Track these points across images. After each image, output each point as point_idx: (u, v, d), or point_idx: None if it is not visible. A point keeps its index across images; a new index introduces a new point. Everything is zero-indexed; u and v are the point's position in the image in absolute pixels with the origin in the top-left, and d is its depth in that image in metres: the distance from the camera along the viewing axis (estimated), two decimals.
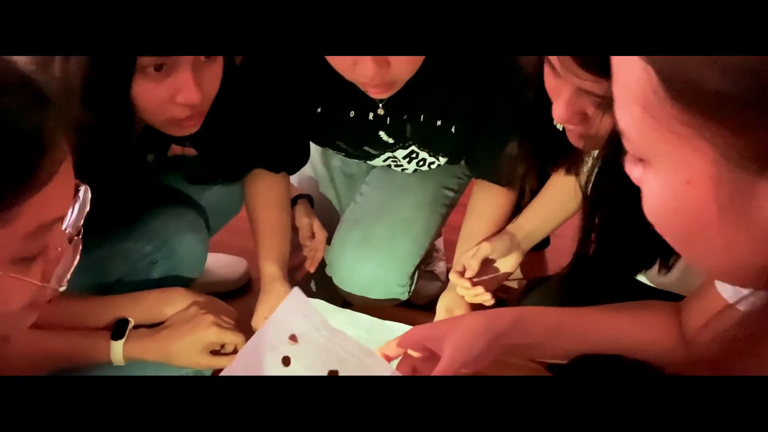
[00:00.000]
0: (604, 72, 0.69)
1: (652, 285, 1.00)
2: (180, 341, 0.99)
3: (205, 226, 1.22)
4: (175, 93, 0.91)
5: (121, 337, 0.98)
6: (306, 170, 1.47)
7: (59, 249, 0.60)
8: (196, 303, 1.05)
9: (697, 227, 0.45)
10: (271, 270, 1.19)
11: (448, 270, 1.25)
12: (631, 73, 0.45)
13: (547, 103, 0.85)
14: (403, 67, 0.98)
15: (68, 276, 0.63)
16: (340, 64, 0.97)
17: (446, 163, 1.30)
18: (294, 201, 1.34)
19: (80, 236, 0.63)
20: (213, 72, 0.95)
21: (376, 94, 1.01)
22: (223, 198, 1.30)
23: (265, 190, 1.26)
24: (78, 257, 0.63)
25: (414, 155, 1.26)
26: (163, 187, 1.24)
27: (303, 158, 1.32)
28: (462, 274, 1.18)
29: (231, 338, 1.02)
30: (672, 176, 0.45)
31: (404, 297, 1.31)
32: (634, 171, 0.49)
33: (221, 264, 1.52)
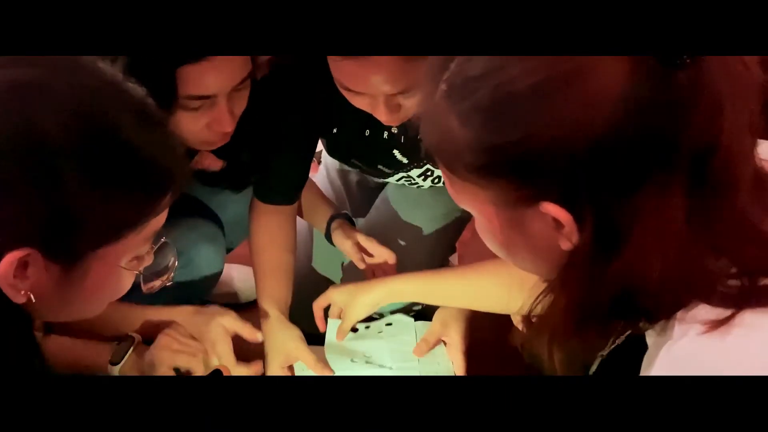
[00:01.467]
0: None
1: None
2: (146, 362, 1.02)
3: (222, 237, 1.23)
4: (212, 122, 0.97)
5: (117, 363, 1.01)
6: (323, 183, 1.49)
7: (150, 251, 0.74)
8: (171, 323, 1.07)
9: (505, 247, 0.66)
10: (273, 314, 1.16)
11: None
12: None
13: None
14: (414, 107, 0.97)
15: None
16: (357, 102, 0.99)
17: None
18: (330, 222, 1.30)
19: None
20: (243, 96, 1.00)
21: (387, 122, 1.02)
22: (244, 213, 1.30)
23: (272, 229, 1.23)
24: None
25: (429, 173, 1.27)
26: (181, 197, 1.26)
27: (301, 187, 1.27)
28: None
29: (183, 362, 1.03)
30: (480, 219, 0.65)
31: (417, 308, 1.31)
32: None
33: (240, 276, 1.53)
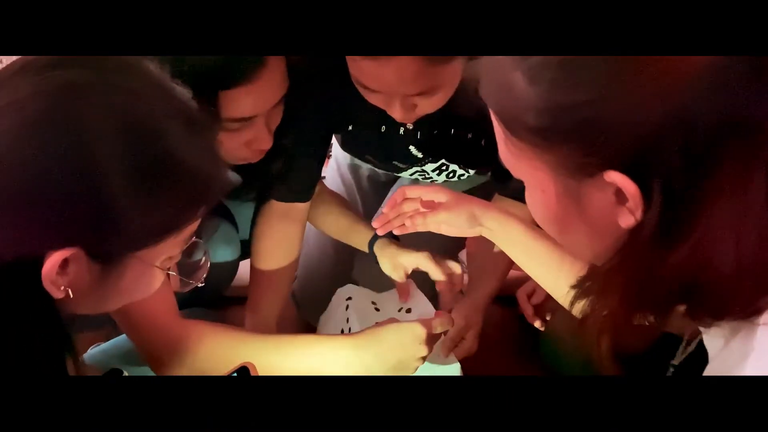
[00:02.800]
0: None
1: None
2: None
3: (237, 237, 1.22)
4: (251, 141, 0.97)
5: None
6: (333, 178, 1.47)
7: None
8: None
9: (558, 222, 0.61)
10: (257, 329, 1.16)
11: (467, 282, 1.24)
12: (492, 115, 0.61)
13: None
14: (428, 107, 0.99)
15: None
16: (372, 99, 0.99)
17: (475, 174, 1.30)
18: (372, 242, 1.24)
19: None
20: (279, 111, 0.99)
21: (401, 120, 1.01)
22: None
23: (277, 233, 1.23)
24: None
25: (444, 167, 1.26)
26: None
27: (314, 187, 1.26)
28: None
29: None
30: (533, 189, 0.61)
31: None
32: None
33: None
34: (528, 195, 0.63)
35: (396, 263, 1.18)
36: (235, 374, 0.80)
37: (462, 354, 1.13)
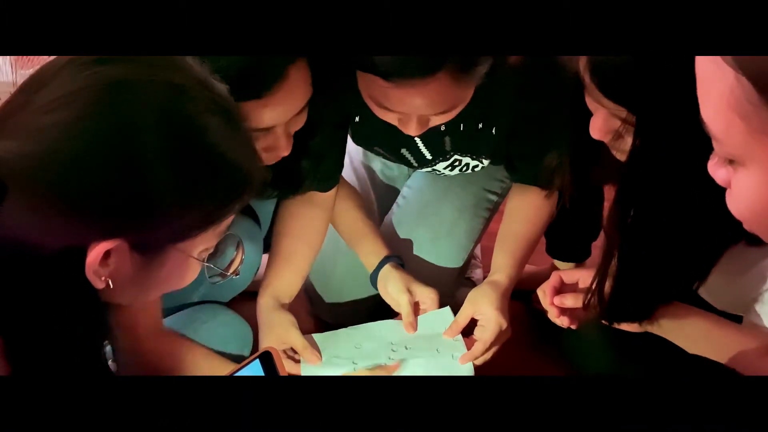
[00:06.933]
0: (623, 100, 0.78)
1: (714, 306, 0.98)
2: None
3: (260, 234, 1.22)
4: (269, 148, 0.95)
5: None
6: (346, 173, 1.46)
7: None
8: None
9: None
10: (266, 301, 1.14)
11: (484, 277, 1.21)
12: (721, 81, 0.49)
13: (587, 113, 0.86)
14: (440, 121, 0.98)
15: None
16: (387, 117, 0.97)
17: (490, 164, 1.28)
18: (379, 267, 1.20)
19: None
20: (301, 118, 0.97)
21: (412, 134, 0.99)
22: None
23: (295, 218, 1.21)
24: None
25: (457, 163, 1.25)
26: None
27: (337, 176, 1.24)
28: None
29: None
30: (767, 175, 0.50)
31: (446, 302, 1.28)
32: (719, 173, 0.55)
33: None
34: (745, 180, 0.53)
35: (402, 298, 1.13)
36: (257, 360, 0.81)
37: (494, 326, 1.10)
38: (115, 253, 0.64)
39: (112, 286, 0.66)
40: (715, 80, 0.50)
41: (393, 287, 1.16)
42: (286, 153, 0.97)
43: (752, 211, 0.53)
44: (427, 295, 1.14)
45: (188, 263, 0.71)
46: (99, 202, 0.62)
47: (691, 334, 0.91)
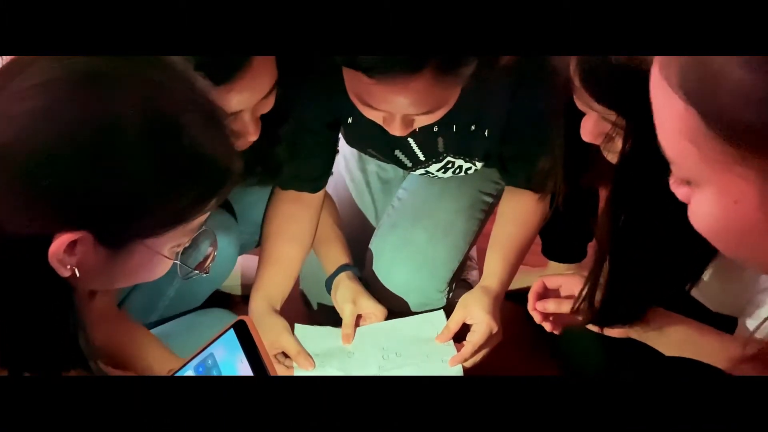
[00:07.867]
0: (613, 104, 0.78)
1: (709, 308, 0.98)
2: None
3: (236, 228, 1.21)
4: (238, 133, 0.94)
5: None
6: (341, 175, 1.46)
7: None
8: None
9: (748, 237, 0.53)
10: (258, 305, 1.15)
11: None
12: (672, 110, 0.52)
13: (579, 116, 0.86)
14: (426, 122, 0.99)
15: None
16: (372, 115, 0.98)
17: (483, 167, 1.28)
18: (335, 273, 1.22)
19: None
20: (269, 102, 0.97)
21: (397, 134, 1.00)
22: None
23: (284, 219, 1.22)
24: None
25: (450, 165, 1.25)
26: None
27: (326, 177, 1.25)
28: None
29: None
30: (720, 197, 0.52)
31: (442, 303, 1.28)
32: (679, 190, 0.57)
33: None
34: (701, 200, 0.54)
35: (347, 308, 1.16)
36: (232, 330, 0.78)
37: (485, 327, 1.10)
38: (81, 244, 0.64)
39: (78, 275, 0.66)
40: (668, 108, 0.52)
41: (341, 295, 1.19)
42: (254, 137, 0.97)
43: (709, 229, 0.55)
44: (371, 311, 1.16)
45: (157, 259, 0.70)
46: (65, 192, 0.61)
47: (673, 340, 0.92)
